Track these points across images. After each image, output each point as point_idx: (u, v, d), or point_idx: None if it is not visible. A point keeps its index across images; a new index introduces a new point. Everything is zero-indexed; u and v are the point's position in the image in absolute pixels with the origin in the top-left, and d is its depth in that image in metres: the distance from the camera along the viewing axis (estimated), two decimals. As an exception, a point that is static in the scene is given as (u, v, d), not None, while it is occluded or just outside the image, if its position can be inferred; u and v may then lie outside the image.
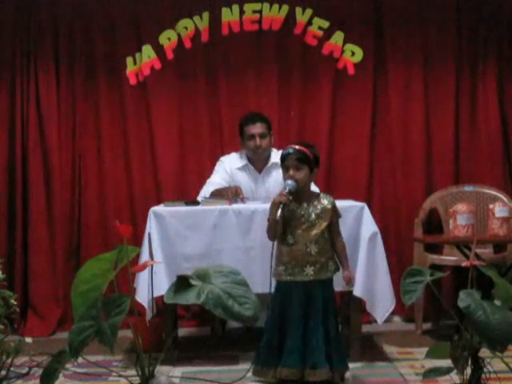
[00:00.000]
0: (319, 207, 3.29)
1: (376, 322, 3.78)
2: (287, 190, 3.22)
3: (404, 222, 4.87)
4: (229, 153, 4.50)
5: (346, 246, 3.42)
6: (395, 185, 4.96)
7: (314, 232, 3.26)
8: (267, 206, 3.34)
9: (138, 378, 2.75)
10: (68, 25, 4.87)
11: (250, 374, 3.36)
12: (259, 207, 3.72)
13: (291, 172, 3.26)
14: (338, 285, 3.40)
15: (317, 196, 3.36)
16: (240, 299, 2.71)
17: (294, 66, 4.94)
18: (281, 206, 3.20)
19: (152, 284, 3.04)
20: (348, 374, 3.42)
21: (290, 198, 3.23)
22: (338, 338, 3.33)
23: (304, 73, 4.93)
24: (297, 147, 3.29)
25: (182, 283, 2.76)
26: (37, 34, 4.85)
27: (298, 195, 3.28)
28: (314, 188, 3.52)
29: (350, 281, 3.37)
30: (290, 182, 3.25)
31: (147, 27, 4.86)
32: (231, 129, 4.72)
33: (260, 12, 4.76)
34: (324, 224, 3.28)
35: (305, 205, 3.29)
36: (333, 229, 3.33)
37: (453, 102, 4.93)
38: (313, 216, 3.27)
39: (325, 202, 3.31)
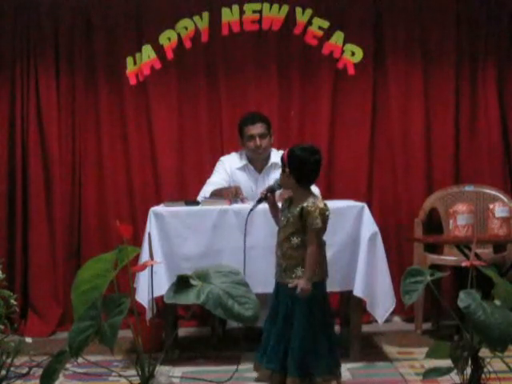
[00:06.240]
0: (294, 212, 3.15)
1: (376, 321, 3.79)
2: (269, 187, 3.35)
3: (404, 221, 4.87)
4: (229, 153, 4.51)
5: (346, 246, 3.38)
6: (395, 185, 4.96)
7: (281, 236, 3.21)
8: (267, 206, 3.35)
9: (138, 377, 2.75)
10: (68, 25, 4.88)
11: (247, 374, 3.36)
12: (259, 207, 3.70)
13: None
14: (338, 285, 3.38)
15: (303, 200, 3.15)
16: (240, 299, 2.70)
17: (293, 66, 4.94)
18: (257, 200, 3.36)
19: (152, 284, 3.04)
20: (348, 374, 3.41)
21: (269, 194, 3.30)
22: (305, 345, 3.11)
23: (304, 73, 4.93)
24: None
25: (182, 283, 2.76)
26: (37, 33, 4.86)
27: (291, 198, 3.27)
28: (314, 190, 3.43)
29: (301, 288, 3.07)
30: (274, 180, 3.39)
31: (147, 27, 4.87)
32: (231, 129, 4.72)
33: (260, 12, 4.74)
34: (289, 231, 3.15)
35: (291, 208, 3.20)
36: (306, 237, 3.14)
37: (453, 102, 4.93)
38: (285, 221, 3.20)
39: (298, 208, 3.14)
